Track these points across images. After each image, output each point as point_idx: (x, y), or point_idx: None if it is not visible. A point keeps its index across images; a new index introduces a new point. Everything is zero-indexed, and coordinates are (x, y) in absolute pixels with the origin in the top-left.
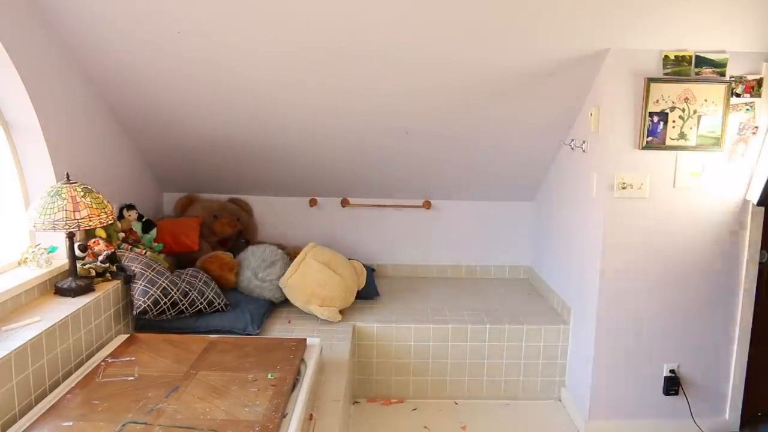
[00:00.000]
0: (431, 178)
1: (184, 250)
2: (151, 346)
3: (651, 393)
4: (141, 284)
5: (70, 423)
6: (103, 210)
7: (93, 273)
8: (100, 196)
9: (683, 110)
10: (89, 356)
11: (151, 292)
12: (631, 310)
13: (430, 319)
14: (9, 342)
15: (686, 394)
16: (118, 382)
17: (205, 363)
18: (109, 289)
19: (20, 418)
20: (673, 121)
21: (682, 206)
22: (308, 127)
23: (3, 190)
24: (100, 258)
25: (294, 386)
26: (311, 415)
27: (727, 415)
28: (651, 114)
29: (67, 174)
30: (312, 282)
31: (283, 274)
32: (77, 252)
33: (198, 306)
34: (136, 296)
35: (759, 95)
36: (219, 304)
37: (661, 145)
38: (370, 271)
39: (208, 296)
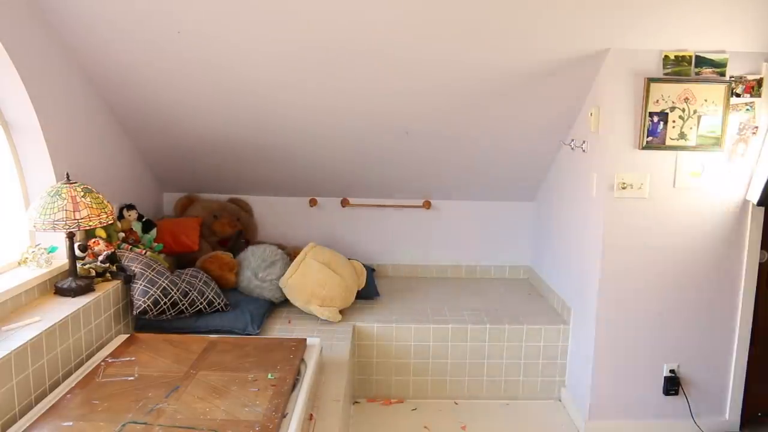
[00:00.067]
0: (431, 178)
1: (184, 250)
2: (151, 346)
3: (651, 393)
4: (141, 284)
5: (70, 423)
6: (103, 210)
7: (93, 273)
8: (100, 196)
9: (683, 110)
10: (89, 356)
11: (151, 292)
12: (631, 311)
13: (430, 319)
14: (9, 342)
15: (686, 394)
16: (118, 382)
17: (205, 363)
18: (109, 289)
19: (20, 418)
20: (673, 121)
21: (682, 206)
22: (308, 127)
23: (3, 190)
24: (100, 258)
25: (294, 386)
26: (311, 415)
27: (727, 415)
28: (651, 114)
29: (67, 174)
30: (312, 282)
31: (283, 274)
32: (77, 252)
33: (198, 306)
34: (136, 296)
35: (759, 95)
36: (219, 304)
37: (661, 145)
38: (370, 271)
39: (208, 296)
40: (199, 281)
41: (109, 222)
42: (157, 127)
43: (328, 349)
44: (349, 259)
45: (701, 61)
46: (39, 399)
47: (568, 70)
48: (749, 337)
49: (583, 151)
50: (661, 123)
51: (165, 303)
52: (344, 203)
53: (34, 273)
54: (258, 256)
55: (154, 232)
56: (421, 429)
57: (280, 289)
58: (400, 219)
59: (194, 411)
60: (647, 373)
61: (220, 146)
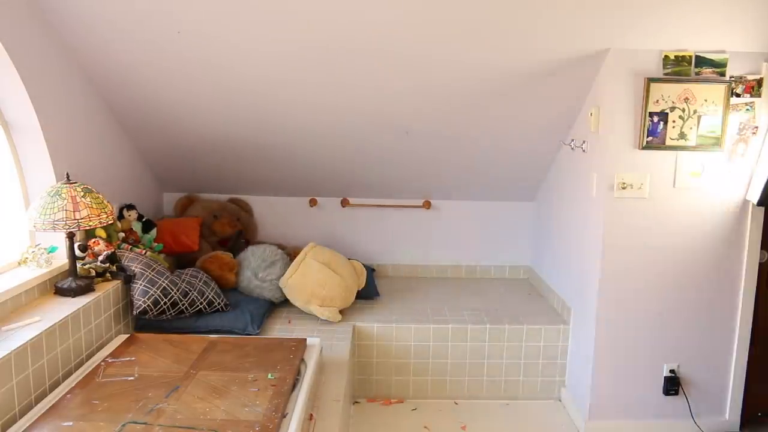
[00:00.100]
0: (431, 178)
1: (184, 250)
2: (151, 346)
3: (651, 393)
4: (141, 284)
5: (70, 423)
6: (103, 210)
7: (93, 273)
8: (100, 196)
9: (683, 110)
10: (89, 356)
11: (151, 292)
12: (631, 311)
13: (430, 319)
14: (9, 342)
15: (686, 394)
16: (118, 382)
17: (205, 363)
18: (109, 289)
19: (20, 418)
20: (673, 121)
21: (682, 206)
22: (308, 126)
23: (3, 190)
24: (100, 258)
25: (294, 386)
26: (311, 415)
27: (727, 415)
28: (651, 114)
29: (67, 174)
30: (312, 282)
31: (283, 274)
32: (77, 252)
33: (198, 306)
34: (136, 296)
35: (759, 95)
36: (219, 304)
37: (661, 145)
38: (370, 271)
39: (208, 296)
40: (199, 281)
41: (109, 222)
42: (157, 127)
43: (328, 349)
44: (349, 259)
45: (701, 61)
46: (39, 399)
47: (568, 70)
48: (749, 337)
49: (583, 151)
50: (661, 123)
51: (165, 303)
52: (344, 203)
53: (34, 273)
54: (258, 256)
55: (154, 232)
56: (421, 429)
57: (280, 289)
58: (400, 219)
59: (194, 411)
60: (647, 373)
61: (220, 146)
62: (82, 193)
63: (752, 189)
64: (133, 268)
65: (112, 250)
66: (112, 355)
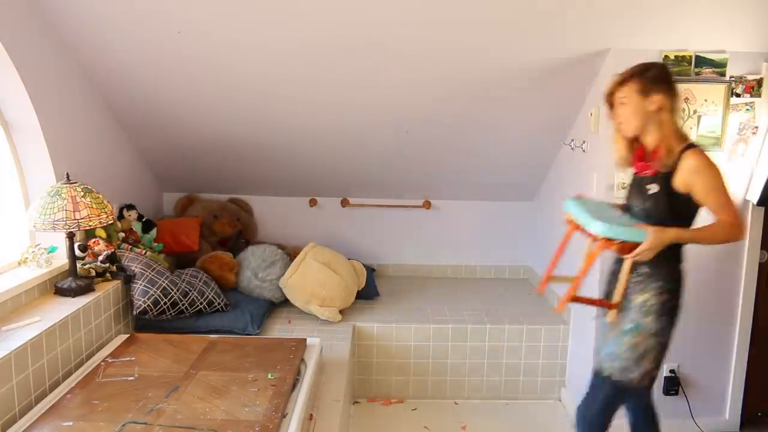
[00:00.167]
0: (431, 178)
1: (184, 250)
2: (151, 346)
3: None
4: (141, 284)
5: (70, 423)
6: (103, 210)
7: (93, 273)
8: (100, 196)
9: (683, 110)
10: (89, 356)
11: (151, 292)
12: None
13: (430, 319)
14: (9, 342)
15: (686, 394)
16: (118, 382)
17: (205, 363)
18: (109, 289)
19: (20, 418)
20: None
21: None
22: (308, 124)
23: (3, 190)
24: (100, 258)
25: (294, 386)
26: (311, 415)
27: (727, 415)
28: None
29: (67, 174)
30: (312, 282)
31: (283, 274)
32: (77, 252)
33: (198, 306)
34: (136, 296)
35: (759, 95)
36: (219, 304)
37: None
38: (370, 271)
39: (208, 296)
40: (199, 281)
41: (109, 222)
42: (157, 126)
43: (328, 349)
44: (349, 259)
45: (701, 61)
46: (39, 399)
47: (568, 70)
48: (749, 337)
49: (583, 151)
50: None
51: (165, 303)
52: (344, 203)
53: (34, 273)
54: (258, 256)
55: (154, 232)
56: (421, 429)
57: (280, 289)
58: (400, 219)
59: (194, 411)
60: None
61: (220, 145)
62: (82, 193)
63: (752, 189)
64: (133, 268)
65: (112, 250)
66: (112, 355)
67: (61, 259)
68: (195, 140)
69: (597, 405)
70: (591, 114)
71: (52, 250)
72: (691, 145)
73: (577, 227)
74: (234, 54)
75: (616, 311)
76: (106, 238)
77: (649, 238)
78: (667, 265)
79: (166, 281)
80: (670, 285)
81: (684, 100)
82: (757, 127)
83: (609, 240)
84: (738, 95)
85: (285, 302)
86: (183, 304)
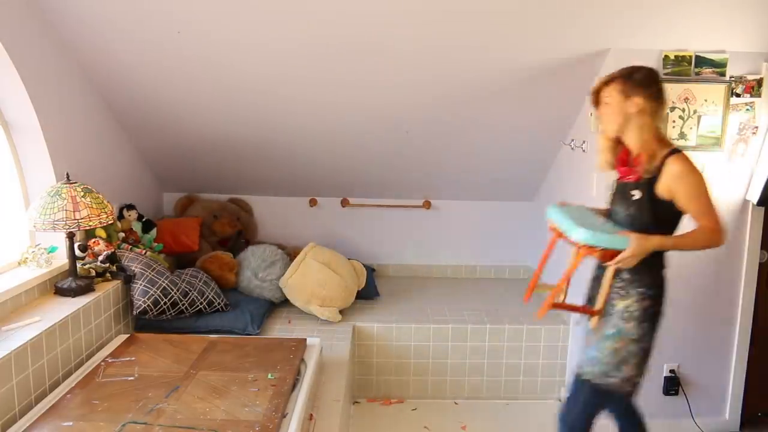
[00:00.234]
0: (431, 178)
1: (184, 250)
2: (151, 346)
3: (651, 393)
4: (141, 284)
5: (70, 423)
6: (103, 210)
7: (93, 273)
8: (100, 196)
9: (683, 110)
10: (89, 356)
11: (151, 292)
12: None
13: (430, 319)
14: (9, 342)
15: (686, 394)
16: (118, 382)
17: (205, 363)
18: (109, 289)
19: (20, 418)
20: (673, 121)
21: None
22: (308, 124)
23: (3, 190)
24: (100, 258)
25: (294, 386)
26: (311, 415)
27: (727, 415)
28: None
29: (67, 174)
30: (312, 282)
31: (283, 274)
32: (77, 252)
33: (198, 306)
34: (136, 296)
35: (759, 95)
36: (219, 304)
37: None
38: (370, 271)
39: (208, 296)
40: (199, 281)
41: (109, 222)
42: (157, 126)
43: (328, 349)
44: (349, 259)
45: (701, 61)
46: (39, 399)
47: (568, 70)
48: (749, 337)
49: (583, 151)
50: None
51: (165, 303)
52: (344, 203)
53: (34, 273)
54: (258, 256)
55: (154, 232)
56: (421, 429)
57: (280, 289)
58: (400, 219)
59: (194, 411)
60: (647, 373)
61: (220, 145)
62: (82, 193)
63: (752, 189)
64: (133, 268)
65: (112, 250)
66: (112, 355)
67: (61, 259)
68: (195, 140)
69: (577, 409)
70: (591, 114)
71: (52, 250)
72: (675, 151)
73: (561, 235)
74: (234, 54)
75: (598, 318)
76: (106, 238)
77: (632, 245)
78: (649, 271)
79: (166, 281)
80: (652, 291)
81: (684, 100)
82: (757, 127)
83: (591, 247)
84: (738, 95)
85: (285, 302)
86: (183, 304)
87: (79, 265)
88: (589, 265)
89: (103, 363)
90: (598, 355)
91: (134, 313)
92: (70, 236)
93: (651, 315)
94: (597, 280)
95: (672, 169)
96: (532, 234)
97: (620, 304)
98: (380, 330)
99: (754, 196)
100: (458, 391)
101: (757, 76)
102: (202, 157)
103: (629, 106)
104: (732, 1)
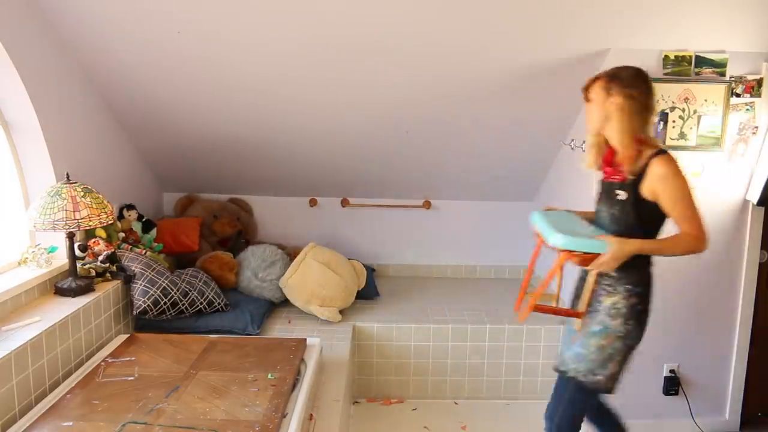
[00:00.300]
0: (431, 178)
1: (184, 250)
2: (151, 346)
3: (651, 393)
4: (141, 284)
5: (70, 423)
6: (103, 210)
7: (93, 273)
8: (100, 196)
9: (683, 110)
10: (89, 356)
11: (151, 292)
12: None
13: (430, 319)
14: (9, 342)
15: (686, 394)
16: (118, 382)
17: (205, 363)
18: (109, 289)
19: (20, 418)
20: (673, 121)
21: None
22: (308, 124)
23: (3, 190)
24: (100, 258)
25: (294, 386)
26: (311, 415)
27: (727, 415)
28: None
29: (67, 174)
30: (312, 282)
31: (283, 274)
32: (77, 252)
33: (198, 306)
34: (136, 296)
35: (759, 95)
36: (219, 304)
37: None
38: (370, 271)
39: (208, 296)
40: (199, 281)
41: (109, 222)
42: (157, 126)
43: (328, 349)
44: (349, 259)
45: (701, 61)
46: (39, 399)
47: (568, 70)
48: (749, 337)
49: (583, 151)
50: (661, 123)
51: (165, 303)
52: (344, 203)
53: (34, 273)
54: (258, 256)
55: (154, 232)
56: (421, 429)
57: (280, 289)
58: (400, 219)
59: (194, 411)
60: (647, 373)
61: (220, 145)
62: (82, 193)
63: (752, 189)
64: (133, 268)
65: (112, 250)
66: (112, 355)
67: (61, 259)
68: (195, 140)
69: (562, 407)
70: None
71: (52, 250)
72: (661, 152)
73: (544, 240)
74: (234, 54)
75: (581, 320)
76: (106, 238)
77: (610, 249)
78: (636, 269)
79: (166, 281)
80: (639, 288)
81: (684, 100)
82: (757, 127)
83: (570, 252)
84: (738, 95)
85: (285, 302)
86: (183, 304)
87: (79, 265)
88: (577, 267)
89: (103, 363)
90: (583, 352)
91: (134, 313)
92: (70, 236)
93: (638, 312)
94: (583, 281)
95: (656, 171)
96: (532, 234)
97: (607, 301)
98: (380, 330)
99: (754, 196)
100: (458, 391)
101: (757, 76)
102: (202, 157)
103: (609, 103)
104: (732, 1)
